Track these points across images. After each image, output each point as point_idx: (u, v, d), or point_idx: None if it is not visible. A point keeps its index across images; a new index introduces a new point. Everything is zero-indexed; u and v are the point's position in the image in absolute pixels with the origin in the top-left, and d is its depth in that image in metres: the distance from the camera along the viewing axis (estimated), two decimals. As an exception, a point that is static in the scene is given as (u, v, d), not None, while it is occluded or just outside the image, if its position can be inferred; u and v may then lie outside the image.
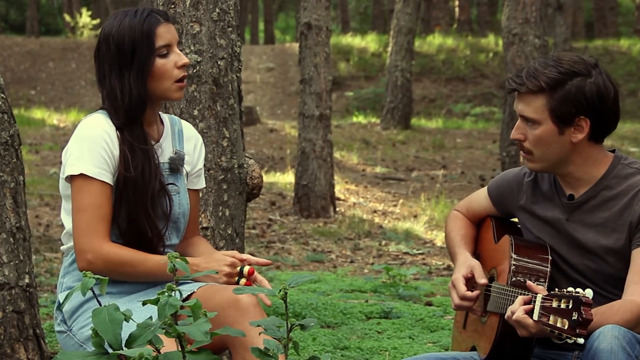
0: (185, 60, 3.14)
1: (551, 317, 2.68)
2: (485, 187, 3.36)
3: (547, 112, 2.95)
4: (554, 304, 2.68)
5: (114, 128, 3.10)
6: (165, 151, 3.22)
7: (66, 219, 3.15)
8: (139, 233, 3.09)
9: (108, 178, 3.06)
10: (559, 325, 2.66)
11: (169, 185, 3.18)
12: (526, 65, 3.04)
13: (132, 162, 3.08)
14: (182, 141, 3.28)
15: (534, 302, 2.75)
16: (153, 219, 3.09)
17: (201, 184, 3.36)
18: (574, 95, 2.92)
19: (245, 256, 3.13)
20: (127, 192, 3.07)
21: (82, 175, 3.04)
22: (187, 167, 3.28)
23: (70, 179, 3.08)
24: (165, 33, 3.11)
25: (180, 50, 3.22)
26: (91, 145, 3.05)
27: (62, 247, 3.24)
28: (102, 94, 3.16)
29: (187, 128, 3.34)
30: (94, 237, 3.03)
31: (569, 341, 2.65)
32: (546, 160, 2.99)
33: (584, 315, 2.62)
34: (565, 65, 2.94)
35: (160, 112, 3.27)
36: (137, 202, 3.08)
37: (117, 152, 3.08)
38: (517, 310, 2.79)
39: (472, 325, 3.28)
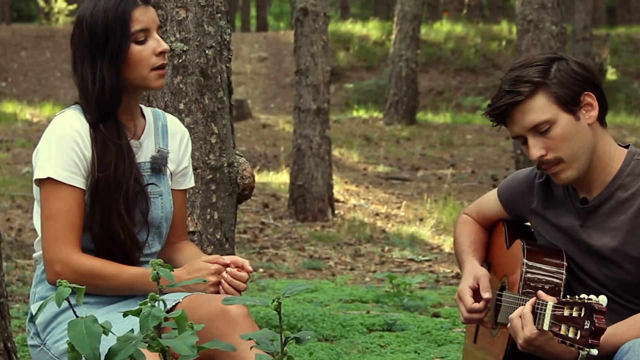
0: (164, 46, 3.12)
1: (562, 327, 2.68)
2: (496, 189, 3.37)
3: (554, 104, 2.97)
4: (566, 312, 2.68)
5: (87, 126, 3.08)
6: (146, 149, 3.19)
7: (39, 224, 3.13)
8: (112, 237, 3.07)
9: (79, 182, 3.04)
10: (570, 335, 2.66)
11: (150, 186, 3.16)
12: (495, 92, 3.06)
13: (105, 159, 3.06)
14: (167, 137, 3.26)
15: (544, 310, 2.75)
16: (126, 220, 3.07)
17: (188, 183, 3.34)
18: (566, 75, 2.98)
19: (228, 260, 3.11)
20: (100, 192, 3.05)
21: (49, 179, 3.03)
22: (171, 166, 3.25)
23: (39, 182, 3.07)
24: (142, 16, 3.08)
25: (165, 38, 3.21)
26: (60, 146, 3.03)
27: (34, 255, 3.22)
28: (76, 84, 3.14)
29: (172, 122, 3.31)
30: (62, 246, 3.02)
31: (582, 352, 2.65)
32: (578, 157, 2.98)
33: (596, 324, 2.62)
34: (536, 60, 3.01)
35: (142, 106, 3.25)
36: (110, 202, 3.05)
37: (89, 153, 3.06)
38: (514, 317, 2.82)
39: (483, 338, 3.29)
